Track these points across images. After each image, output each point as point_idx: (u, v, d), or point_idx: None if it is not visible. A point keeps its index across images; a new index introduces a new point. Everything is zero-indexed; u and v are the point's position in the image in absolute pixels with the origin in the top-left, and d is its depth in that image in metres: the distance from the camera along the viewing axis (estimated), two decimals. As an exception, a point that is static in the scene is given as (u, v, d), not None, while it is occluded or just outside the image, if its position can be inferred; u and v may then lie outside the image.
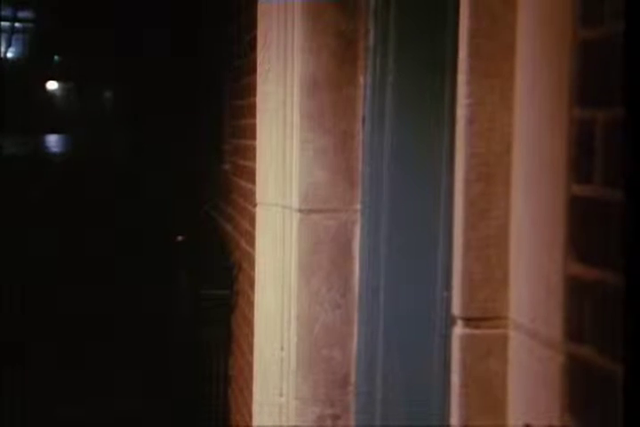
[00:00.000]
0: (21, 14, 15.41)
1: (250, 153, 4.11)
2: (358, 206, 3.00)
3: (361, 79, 2.94)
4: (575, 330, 1.27)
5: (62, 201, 12.95)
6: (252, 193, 3.67)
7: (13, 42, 17.14)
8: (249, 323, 4.08)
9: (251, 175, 3.99)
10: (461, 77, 1.51)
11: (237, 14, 4.91)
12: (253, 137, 3.67)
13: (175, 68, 8.58)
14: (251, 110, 3.94)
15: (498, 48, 1.48)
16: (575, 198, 1.28)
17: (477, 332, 1.48)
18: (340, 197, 3.01)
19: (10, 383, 7.39)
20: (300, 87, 2.99)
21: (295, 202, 3.04)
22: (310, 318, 3.01)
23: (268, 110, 3.32)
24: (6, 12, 14.34)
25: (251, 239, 3.98)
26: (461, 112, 1.50)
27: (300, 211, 3.02)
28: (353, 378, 3.01)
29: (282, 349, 3.13)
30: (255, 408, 3.41)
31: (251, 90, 3.98)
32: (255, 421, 3.44)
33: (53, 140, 17.92)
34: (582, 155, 1.26)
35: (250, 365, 3.80)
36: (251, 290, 3.92)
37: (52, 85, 18.99)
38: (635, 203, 1.15)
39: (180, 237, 6.88)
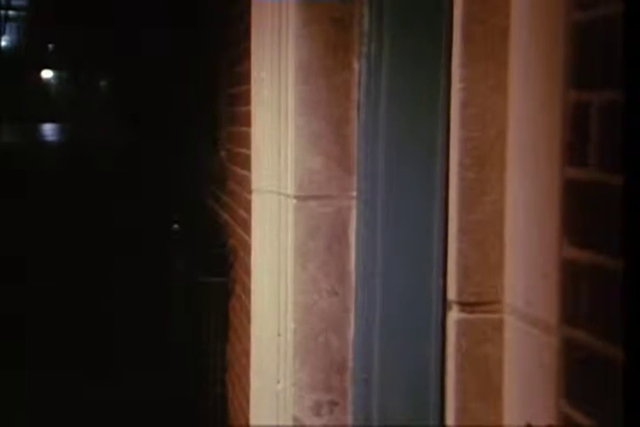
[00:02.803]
0: (15, 2, 15.37)
1: (245, 140, 4.10)
2: (354, 193, 3.00)
3: (355, 65, 2.93)
4: (571, 314, 1.27)
5: (58, 189, 12.94)
6: (248, 180, 3.67)
7: (7, 30, 17.10)
8: (245, 310, 4.08)
9: (246, 162, 3.99)
10: (455, 62, 1.50)
11: (232, 1, 4.90)
12: (248, 124, 3.67)
13: (170, 56, 8.56)
14: (246, 97, 3.93)
15: (492, 32, 1.48)
16: (570, 182, 1.27)
17: (473, 316, 1.48)
18: (336, 184, 3.01)
19: (10, 376, 7.40)
20: (295, 73, 2.99)
21: (291, 189, 3.03)
22: (307, 305, 3.01)
23: (262, 97, 3.31)
24: None
25: (247, 226, 3.98)
26: (456, 96, 1.49)
27: (296, 197, 3.01)
28: (350, 364, 3.01)
29: (279, 335, 3.13)
30: (252, 395, 3.42)
31: (246, 77, 3.97)
32: (253, 407, 3.44)
33: (48, 129, 17.89)
34: (577, 138, 1.25)
35: (247, 352, 3.80)
36: (247, 277, 3.92)
37: (46, 74, 18.95)
38: (632, 186, 1.15)
39: (175, 225, 6.88)
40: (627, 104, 1.14)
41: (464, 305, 1.48)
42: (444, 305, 1.83)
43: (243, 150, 4.37)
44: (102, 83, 17.07)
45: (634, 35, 1.14)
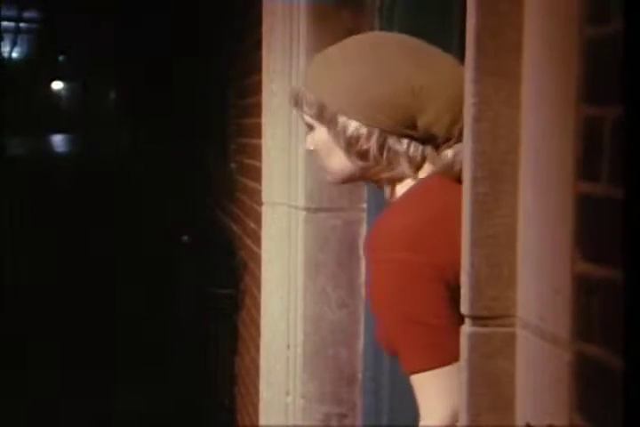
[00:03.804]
0: (26, 14, 15.44)
1: (255, 152, 4.11)
2: (364, 205, 3.00)
3: (366, 78, 2.93)
4: (583, 328, 1.27)
5: (66, 200, 12.96)
6: (258, 192, 3.67)
7: (18, 42, 17.17)
8: (255, 322, 4.08)
9: (256, 174, 4.00)
10: (468, 76, 1.51)
11: (242, 12, 4.91)
12: (259, 136, 3.67)
13: (179, 68, 8.58)
14: (256, 109, 3.94)
15: (504, 47, 1.48)
16: (582, 196, 1.28)
17: (485, 330, 1.48)
18: (346, 196, 3.01)
19: (11, 382, 7.41)
20: (306, 86, 2.99)
21: (301, 201, 3.04)
22: (316, 317, 3.01)
23: (273, 109, 3.32)
24: (11, 12, 14.37)
25: (256, 238, 3.98)
26: (468, 111, 1.50)
27: (306, 209, 3.02)
28: (359, 377, 3.01)
29: (288, 347, 3.13)
30: (261, 407, 3.41)
31: (255, 88, 3.97)
32: (261, 420, 3.44)
33: (58, 140, 17.95)
34: (590, 153, 1.26)
35: (256, 363, 3.80)
36: (257, 289, 3.93)
37: (57, 85, 19.00)
38: (636, 201, 1.15)
39: (185, 237, 6.89)
40: (630, 119, 1.15)
41: (476, 319, 1.48)
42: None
43: (253, 162, 4.38)
44: (111, 95, 17.12)
45: (633, 50, 1.14)
